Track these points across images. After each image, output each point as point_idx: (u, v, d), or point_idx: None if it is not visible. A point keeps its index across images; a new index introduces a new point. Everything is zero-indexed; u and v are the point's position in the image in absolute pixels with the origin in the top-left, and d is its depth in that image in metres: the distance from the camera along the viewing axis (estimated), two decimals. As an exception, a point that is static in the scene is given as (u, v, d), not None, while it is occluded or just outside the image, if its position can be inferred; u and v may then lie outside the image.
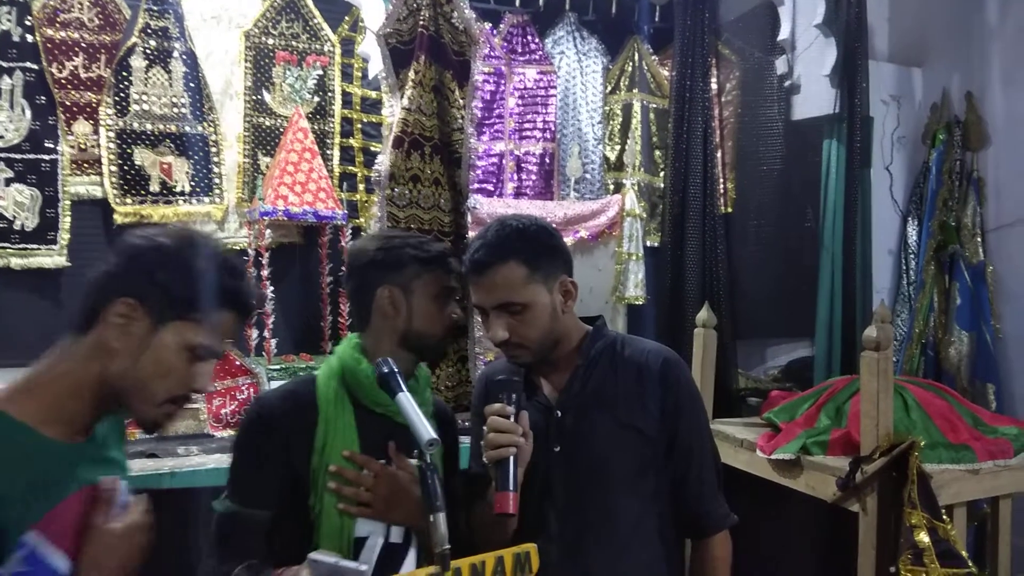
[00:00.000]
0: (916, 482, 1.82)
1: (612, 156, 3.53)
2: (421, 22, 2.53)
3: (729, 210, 3.41)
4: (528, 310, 1.50)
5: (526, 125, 3.39)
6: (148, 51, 2.83)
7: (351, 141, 3.21)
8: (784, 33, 3.17)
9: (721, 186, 3.35)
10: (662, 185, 3.46)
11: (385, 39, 2.52)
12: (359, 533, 1.47)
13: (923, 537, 1.76)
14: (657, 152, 3.53)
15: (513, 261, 1.49)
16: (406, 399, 1.34)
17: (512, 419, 1.42)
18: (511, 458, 1.38)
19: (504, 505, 1.35)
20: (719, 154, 3.36)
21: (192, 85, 2.90)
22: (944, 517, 1.84)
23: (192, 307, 1.16)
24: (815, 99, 3.12)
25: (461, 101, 2.64)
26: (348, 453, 1.46)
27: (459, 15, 2.59)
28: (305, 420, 1.48)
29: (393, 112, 2.58)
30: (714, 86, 3.35)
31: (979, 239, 3.01)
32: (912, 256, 3.25)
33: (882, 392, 1.93)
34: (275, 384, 2.54)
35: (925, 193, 3.20)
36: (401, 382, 1.37)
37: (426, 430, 1.27)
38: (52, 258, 2.73)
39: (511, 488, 1.36)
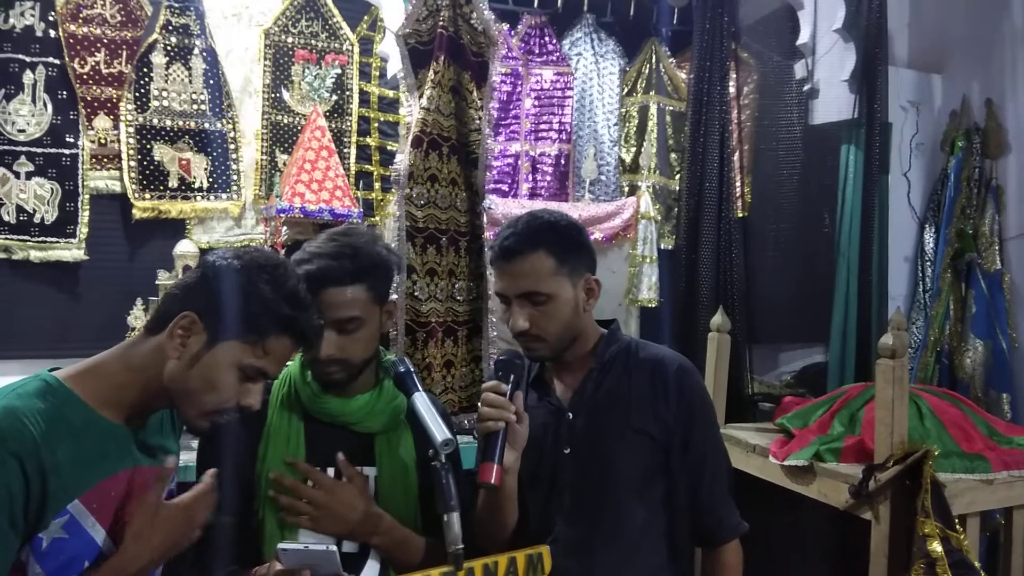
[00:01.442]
0: (930, 491, 1.81)
1: (628, 158, 3.53)
2: (440, 23, 2.54)
3: (744, 214, 3.40)
4: (551, 302, 1.51)
5: (542, 126, 3.39)
6: (169, 48, 2.86)
7: (368, 140, 3.22)
8: (803, 37, 3.16)
9: (737, 190, 3.34)
10: (677, 188, 3.45)
11: (404, 39, 2.53)
12: (303, 540, 1.45)
13: (936, 547, 1.74)
14: (673, 155, 3.53)
15: (543, 251, 1.51)
16: (421, 399, 1.35)
17: (508, 398, 1.42)
18: (500, 433, 1.39)
19: (486, 475, 1.35)
20: (735, 158, 3.35)
21: (212, 82, 2.91)
22: (957, 527, 1.83)
23: (247, 329, 1.22)
24: (834, 104, 3.11)
25: (479, 102, 2.65)
26: (291, 460, 1.45)
27: (478, 16, 2.60)
28: (253, 426, 1.48)
29: (411, 112, 2.59)
30: (732, 89, 3.34)
31: (997, 247, 2.99)
32: (928, 263, 3.23)
33: (897, 400, 1.92)
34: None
35: (943, 200, 3.18)
36: (417, 382, 1.39)
37: (440, 430, 1.28)
38: (71, 251, 2.76)
39: (495, 460, 1.36)
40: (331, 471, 1.45)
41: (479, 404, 1.44)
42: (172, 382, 1.21)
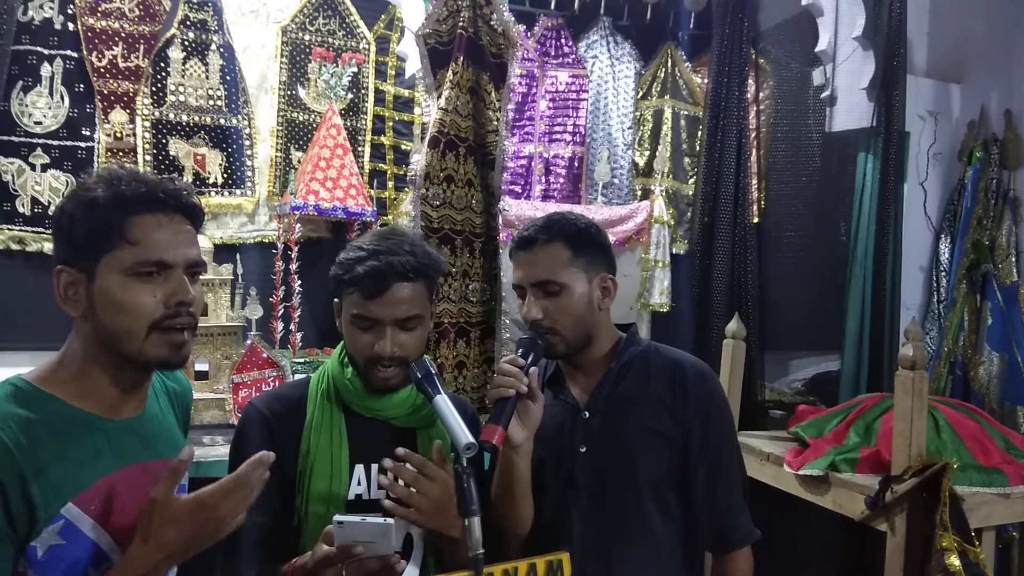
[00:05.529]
0: (948, 505, 1.80)
1: (641, 162, 3.52)
2: (460, 23, 2.53)
3: (758, 219, 3.38)
4: (565, 293, 1.54)
5: (556, 128, 3.38)
6: (186, 43, 2.85)
7: (382, 139, 3.22)
8: (822, 44, 3.14)
9: (752, 195, 3.33)
10: (690, 192, 3.44)
11: (424, 39, 2.52)
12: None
13: (954, 560, 1.74)
14: (687, 159, 3.52)
15: (559, 242, 1.56)
16: (443, 402, 1.34)
17: (524, 372, 1.44)
18: (511, 400, 1.41)
19: (488, 435, 1.36)
20: (751, 163, 3.33)
21: (228, 78, 2.91)
22: (975, 541, 1.82)
23: (102, 238, 1.13)
24: (852, 112, 3.10)
25: (497, 103, 2.63)
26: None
27: (498, 17, 2.59)
28: (293, 423, 1.47)
29: (429, 112, 2.58)
30: (750, 94, 3.32)
31: (1013, 259, 2.98)
32: (944, 274, 3.22)
33: (916, 412, 1.91)
34: (299, 377, 2.55)
35: (959, 210, 3.18)
36: (439, 384, 1.37)
37: (464, 434, 1.27)
38: (85, 244, 2.75)
39: (501, 424, 1.38)
40: (374, 468, 1.43)
41: (495, 374, 1.47)
42: (97, 333, 1.14)
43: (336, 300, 1.51)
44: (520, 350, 1.49)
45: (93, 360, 1.16)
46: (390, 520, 1.25)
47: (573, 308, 1.55)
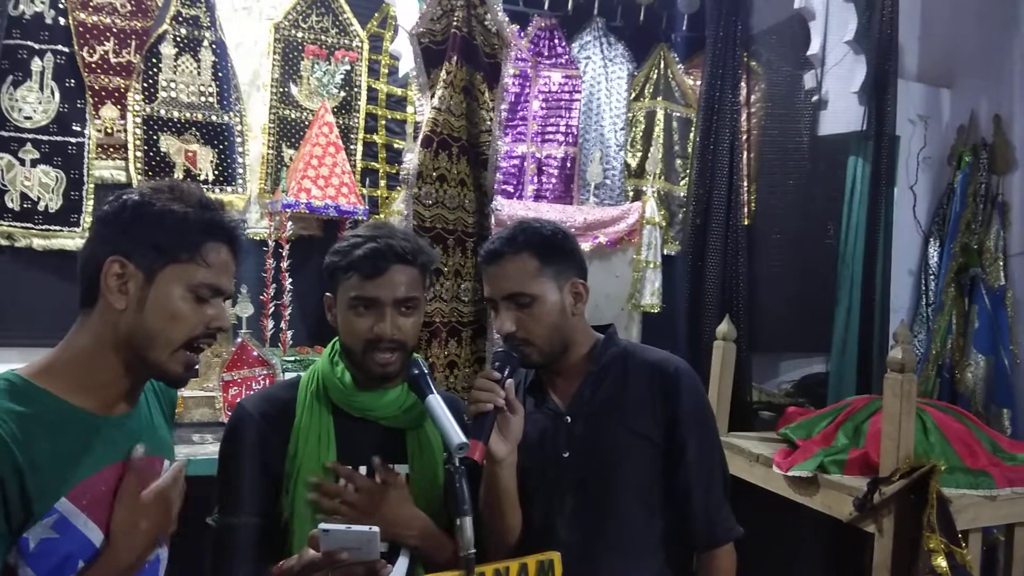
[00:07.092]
0: (935, 506, 1.81)
1: (633, 163, 3.53)
2: (454, 23, 2.53)
3: (748, 222, 3.39)
4: (536, 303, 1.54)
5: (549, 128, 3.38)
6: (178, 39, 2.84)
7: (374, 137, 3.22)
8: (814, 48, 3.16)
9: (743, 198, 3.34)
10: (682, 194, 3.46)
11: (418, 38, 2.52)
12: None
13: (941, 562, 1.75)
14: (679, 161, 3.53)
15: (526, 253, 1.55)
16: (436, 401, 1.34)
17: (500, 385, 1.44)
18: (489, 415, 1.41)
19: (471, 452, 1.36)
20: (742, 165, 3.34)
21: (220, 75, 2.90)
22: (962, 543, 1.84)
23: (178, 248, 1.18)
24: (842, 115, 3.11)
25: (490, 103, 2.64)
26: (331, 464, 1.42)
27: (492, 17, 2.59)
28: (282, 424, 1.46)
29: (422, 111, 2.58)
30: (742, 97, 3.34)
31: (1001, 263, 3.00)
32: (932, 277, 3.24)
33: (904, 414, 1.92)
34: (289, 375, 2.54)
35: (948, 215, 3.19)
36: (432, 384, 1.38)
37: (456, 434, 1.28)
38: (74, 240, 2.74)
39: (481, 439, 1.38)
40: (363, 469, 1.43)
41: (472, 389, 1.46)
42: (131, 332, 1.16)
43: (329, 295, 1.50)
44: (496, 363, 1.49)
45: (102, 357, 1.17)
46: (375, 528, 1.25)
47: (546, 318, 1.55)
